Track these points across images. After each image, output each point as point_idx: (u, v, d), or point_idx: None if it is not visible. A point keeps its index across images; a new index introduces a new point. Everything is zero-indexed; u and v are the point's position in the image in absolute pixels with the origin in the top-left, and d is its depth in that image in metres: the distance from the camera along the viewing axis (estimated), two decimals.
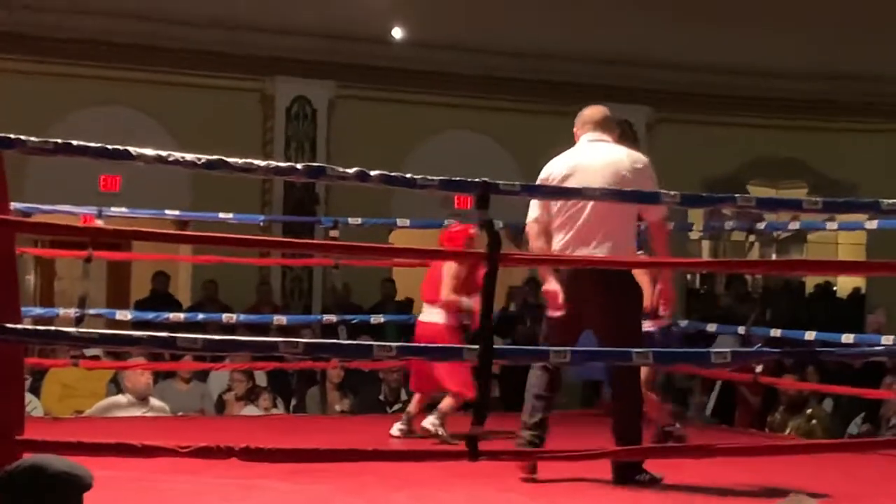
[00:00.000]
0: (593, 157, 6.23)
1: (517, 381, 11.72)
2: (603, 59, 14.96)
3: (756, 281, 15.39)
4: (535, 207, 6.28)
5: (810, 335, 8.03)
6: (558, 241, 6.12)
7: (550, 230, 6.21)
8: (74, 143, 4.49)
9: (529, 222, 6.28)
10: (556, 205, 6.14)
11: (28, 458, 3.52)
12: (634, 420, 6.16)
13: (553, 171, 6.23)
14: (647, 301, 6.38)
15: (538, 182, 6.14)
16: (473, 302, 7.81)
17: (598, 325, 6.07)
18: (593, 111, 6.54)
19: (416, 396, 8.32)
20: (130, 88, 13.89)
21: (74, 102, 13.69)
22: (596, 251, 5.97)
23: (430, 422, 7.78)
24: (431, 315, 8.08)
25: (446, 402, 7.93)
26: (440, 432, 7.68)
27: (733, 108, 15.86)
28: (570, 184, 5.99)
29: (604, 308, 6.02)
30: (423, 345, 7.64)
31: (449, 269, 7.93)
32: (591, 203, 5.95)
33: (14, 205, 4.96)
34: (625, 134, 6.86)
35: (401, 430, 7.97)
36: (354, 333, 11.02)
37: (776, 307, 14.63)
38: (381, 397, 10.18)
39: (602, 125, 6.47)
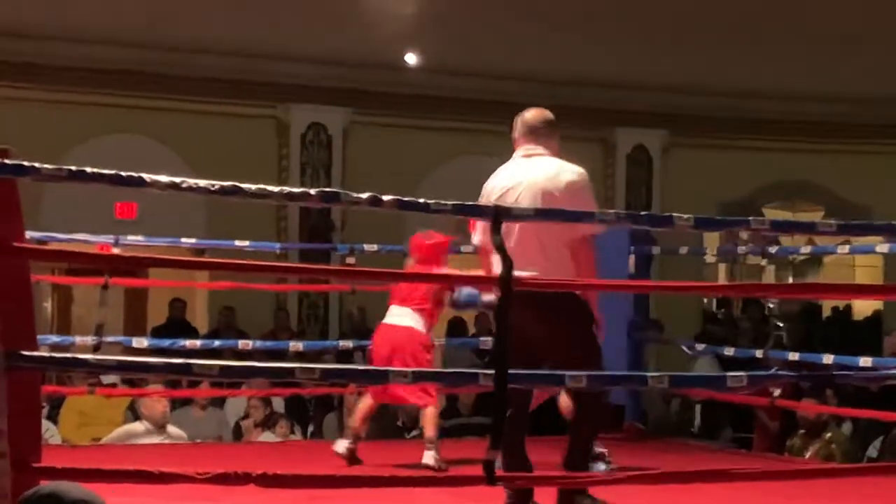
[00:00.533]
0: (526, 173, 5.97)
1: (538, 406, 11.78)
2: (616, 83, 14.98)
3: (774, 304, 15.32)
4: (476, 231, 6.07)
5: (828, 358, 8.00)
6: (495, 265, 5.73)
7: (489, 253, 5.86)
8: (88, 170, 4.50)
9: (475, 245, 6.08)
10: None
11: (45, 485, 3.52)
12: (588, 445, 6.07)
13: (489, 190, 6.04)
14: None
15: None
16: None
17: (551, 354, 5.72)
18: (530, 118, 6.26)
19: (362, 411, 7.83)
20: (145, 116, 13.94)
21: (89, 131, 13.73)
22: (529, 273, 5.55)
23: (430, 458, 7.40)
24: (404, 319, 7.68)
25: (429, 427, 7.55)
26: (442, 466, 7.34)
27: (749, 131, 15.86)
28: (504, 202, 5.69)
29: (553, 336, 5.76)
30: (439, 370, 7.60)
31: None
32: (520, 223, 5.65)
33: (30, 233, 4.97)
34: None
35: (349, 448, 7.59)
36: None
37: (793, 331, 14.59)
38: (400, 423, 10.17)
39: (539, 134, 6.19)
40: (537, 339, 5.68)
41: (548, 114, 6.28)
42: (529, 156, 6.08)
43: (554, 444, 7.84)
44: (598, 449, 7.24)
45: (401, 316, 7.66)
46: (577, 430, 6.01)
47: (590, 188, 5.97)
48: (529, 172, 5.96)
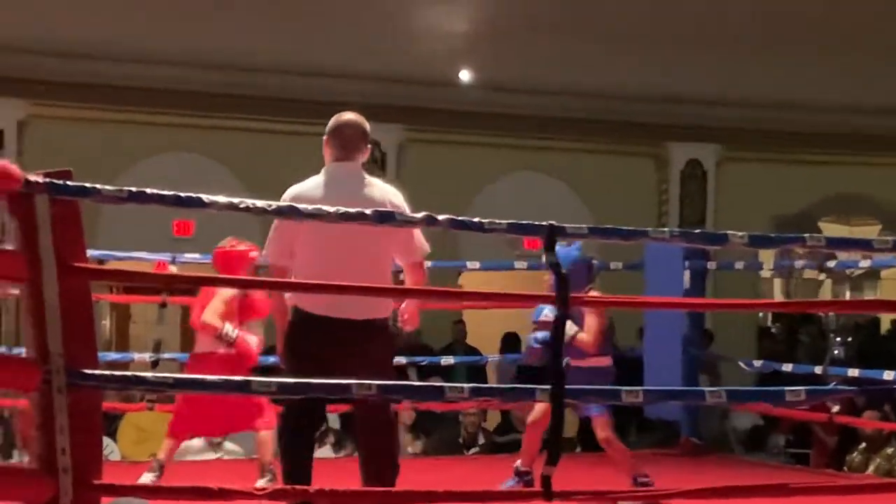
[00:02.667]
0: (345, 193, 5.58)
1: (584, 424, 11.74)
2: (671, 98, 14.95)
3: (828, 319, 15.22)
4: (271, 245, 5.65)
5: (888, 374, 7.95)
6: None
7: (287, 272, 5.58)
8: (148, 191, 4.56)
9: (270, 264, 5.69)
10: (304, 247, 5.53)
11: (120, 500, 3.59)
12: (394, 465, 5.78)
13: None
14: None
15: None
16: (246, 332, 7.22)
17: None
18: (346, 127, 5.91)
19: (172, 443, 7.37)
20: (201, 135, 14.07)
21: (146, 150, 13.87)
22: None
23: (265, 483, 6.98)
24: (200, 345, 7.36)
25: (264, 451, 7.20)
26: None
27: (804, 144, 15.77)
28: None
29: (364, 360, 5.43)
30: (494, 385, 7.60)
31: (222, 292, 7.23)
32: (340, 246, 5.38)
33: (89, 252, 5.04)
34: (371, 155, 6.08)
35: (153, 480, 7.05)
36: (425, 375, 11.07)
37: (851, 346, 14.51)
38: (461, 440, 10.21)
39: (353, 146, 5.84)
40: (342, 365, 5.29)
41: (360, 123, 5.96)
42: (346, 173, 5.76)
43: (594, 461, 7.86)
44: (642, 479, 7.13)
45: (198, 343, 7.45)
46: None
47: (408, 209, 5.59)
48: (353, 191, 5.63)
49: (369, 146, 5.90)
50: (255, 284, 5.58)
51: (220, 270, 7.29)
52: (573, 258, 6.93)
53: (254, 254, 7.24)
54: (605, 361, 7.20)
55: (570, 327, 6.96)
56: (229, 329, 7.16)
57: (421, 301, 5.96)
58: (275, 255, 5.61)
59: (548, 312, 6.89)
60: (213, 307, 7.17)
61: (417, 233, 5.68)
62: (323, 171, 5.82)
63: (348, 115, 5.93)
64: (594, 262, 7.23)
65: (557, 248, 6.94)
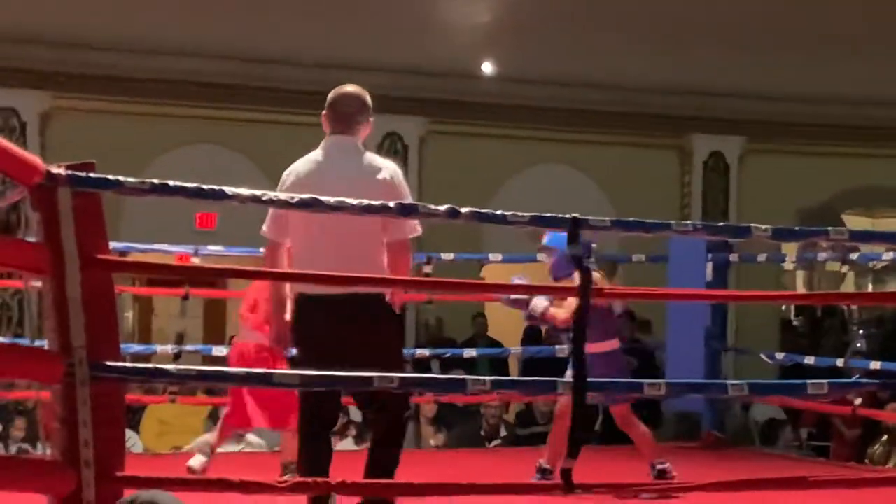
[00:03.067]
0: (339, 168, 5.49)
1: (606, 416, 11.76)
2: (693, 90, 14.91)
3: (851, 311, 15.18)
4: (270, 223, 5.61)
5: None
6: (293, 264, 5.50)
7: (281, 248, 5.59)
8: (171, 183, 4.57)
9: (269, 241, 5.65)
10: (296, 224, 5.46)
11: (142, 493, 3.60)
12: (397, 453, 5.63)
13: (289, 184, 5.54)
14: None
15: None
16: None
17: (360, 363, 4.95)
18: (343, 99, 5.70)
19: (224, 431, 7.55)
20: (224, 127, 14.08)
21: (169, 142, 13.90)
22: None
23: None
24: (245, 336, 7.42)
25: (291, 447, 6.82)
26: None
27: (827, 136, 15.70)
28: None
29: (364, 344, 5.33)
30: (516, 378, 7.57)
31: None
32: (327, 224, 5.23)
33: (112, 244, 5.05)
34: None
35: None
36: (447, 368, 11.08)
37: (873, 338, 14.46)
38: (483, 432, 10.22)
39: (350, 118, 5.64)
40: (344, 346, 5.29)
41: (359, 94, 5.73)
42: (341, 146, 5.61)
43: (619, 454, 7.85)
44: (660, 465, 7.16)
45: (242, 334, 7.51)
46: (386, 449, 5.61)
47: (404, 185, 5.49)
48: (344, 168, 5.51)
49: (370, 119, 5.71)
50: (280, 277, 5.55)
51: None
52: (556, 238, 6.87)
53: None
54: (609, 346, 7.11)
55: (539, 302, 6.96)
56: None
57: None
58: (273, 233, 5.59)
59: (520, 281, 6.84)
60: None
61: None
62: (321, 144, 5.73)
63: (347, 88, 5.77)
64: (593, 244, 7.06)
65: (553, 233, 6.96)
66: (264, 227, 5.60)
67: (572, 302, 6.59)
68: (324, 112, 5.74)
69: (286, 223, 5.48)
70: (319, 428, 5.48)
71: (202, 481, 4.73)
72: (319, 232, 5.31)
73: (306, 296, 5.40)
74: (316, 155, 5.65)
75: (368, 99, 5.72)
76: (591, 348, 6.62)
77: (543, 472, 7.20)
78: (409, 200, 5.32)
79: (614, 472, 6.71)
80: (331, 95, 5.74)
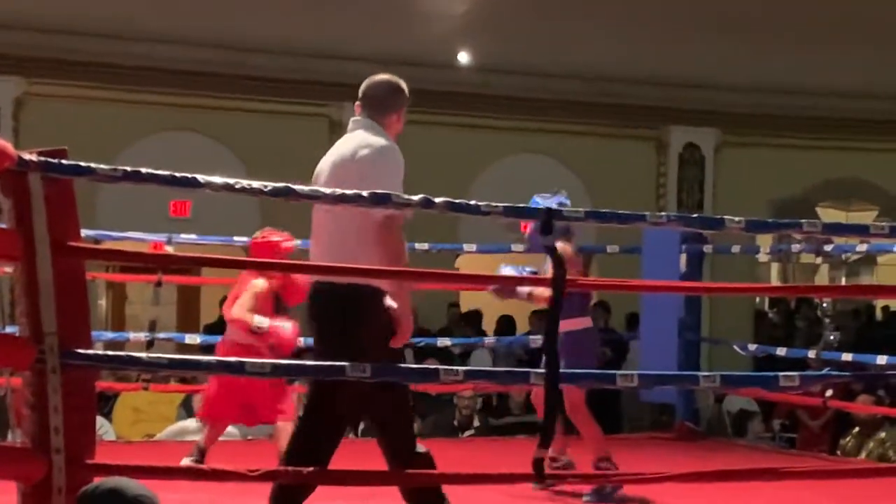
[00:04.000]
0: (334, 151, 5.46)
1: (591, 404, 11.80)
2: (670, 81, 14.94)
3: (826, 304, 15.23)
4: None
5: (881, 359, 7.96)
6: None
7: None
8: (143, 170, 4.55)
9: None
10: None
11: (106, 480, 3.58)
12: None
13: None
14: None
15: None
16: (279, 324, 7.15)
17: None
18: (367, 84, 5.62)
19: (211, 428, 7.41)
20: (199, 115, 14.03)
21: (143, 129, 13.84)
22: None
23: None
24: (228, 334, 7.33)
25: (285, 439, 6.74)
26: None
27: (802, 129, 15.74)
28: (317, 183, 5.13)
29: (328, 340, 5.12)
30: (489, 368, 7.57)
31: (253, 284, 7.18)
32: (319, 213, 5.13)
33: (85, 231, 5.03)
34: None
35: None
36: (421, 357, 11.07)
37: (845, 331, 14.51)
38: (456, 422, 10.22)
39: (370, 102, 5.56)
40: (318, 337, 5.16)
41: (385, 80, 5.62)
42: (354, 127, 5.54)
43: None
44: (603, 465, 6.73)
45: (227, 332, 7.39)
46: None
47: (385, 162, 5.30)
48: (337, 146, 5.48)
49: (401, 108, 5.64)
50: (250, 265, 5.53)
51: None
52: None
53: (288, 244, 7.23)
54: (582, 323, 7.00)
55: (524, 288, 6.93)
56: (259, 321, 7.08)
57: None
58: None
59: (510, 270, 6.83)
60: (243, 302, 7.13)
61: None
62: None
63: (378, 76, 5.68)
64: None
65: (536, 197, 6.88)
66: None
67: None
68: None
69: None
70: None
71: (173, 469, 4.71)
72: (316, 220, 5.22)
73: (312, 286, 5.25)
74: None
75: (401, 86, 5.62)
76: (564, 325, 6.45)
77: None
78: (387, 178, 5.15)
79: (589, 462, 6.73)
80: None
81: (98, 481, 3.57)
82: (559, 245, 5.95)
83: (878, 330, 16.17)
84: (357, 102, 5.56)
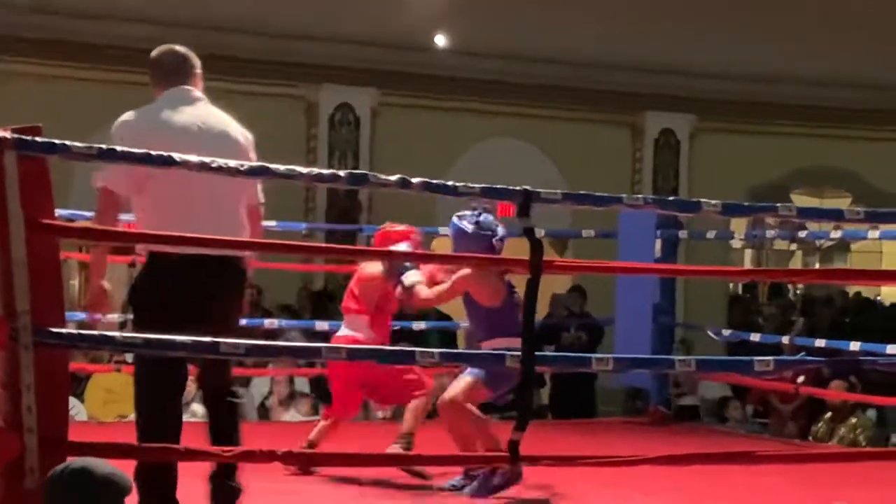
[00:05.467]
0: (202, 119, 5.27)
1: (566, 388, 11.81)
2: (646, 67, 14.94)
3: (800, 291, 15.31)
4: (119, 174, 5.01)
5: (854, 345, 7.99)
6: (152, 224, 5.07)
7: (122, 203, 5.15)
8: (118, 149, 4.53)
9: (100, 186, 5.09)
10: (152, 176, 4.94)
11: (75, 460, 3.56)
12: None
13: (140, 133, 5.10)
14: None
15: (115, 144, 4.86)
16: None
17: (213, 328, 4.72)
18: (191, 56, 5.55)
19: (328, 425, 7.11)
20: None
21: (117, 109, 13.70)
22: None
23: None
24: (345, 329, 7.03)
25: (410, 417, 6.84)
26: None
27: (778, 116, 15.79)
28: (181, 151, 4.62)
29: (220, 310, 5.05)
30: (465, 351, 7.51)
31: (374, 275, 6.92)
32: (202, 180, 4.85)
33: (59, 211, 5.00)
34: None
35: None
36: (397, 340, 11.05)
37: (818, 317, 14.58)
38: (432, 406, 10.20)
39: (191, 74, 5.49)
40: (208, 313, 4.96)
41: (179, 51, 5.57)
42: (193, 98, 5.42)
43: (577, 427, 7.85)
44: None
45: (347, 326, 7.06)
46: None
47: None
48: (207, 120, 5.35)
49: (197, 69, 5.56)
50: (233, 244, 5.41)
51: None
52: (454, 227, 6.54)
53: (413, 235, 7.03)
54: (508, 343, 6.16)
55: (412, 275, 6.47)
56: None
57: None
58: (118, 186, 5.08)
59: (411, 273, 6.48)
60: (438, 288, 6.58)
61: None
62: (163, 98, 5.42)
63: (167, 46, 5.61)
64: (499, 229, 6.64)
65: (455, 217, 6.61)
66: (101, 175, 5.07)
67: (441, 288, 6.41)
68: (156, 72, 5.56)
69: (142, 180, 4.99)
70: (170, 393, 5.14)
71: (146, 449, 4.69)
72: (190, 192, 4.96)
73: (174, 257, 5.02)
74: (157, 107, 5.35)
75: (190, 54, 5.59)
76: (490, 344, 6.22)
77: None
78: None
79: (563, 446, 6.74)
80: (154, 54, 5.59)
81: (68, 461, 3.56)
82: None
83: (850, 316, 16.23)
84: (199, 74, 5.55)
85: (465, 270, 6.32)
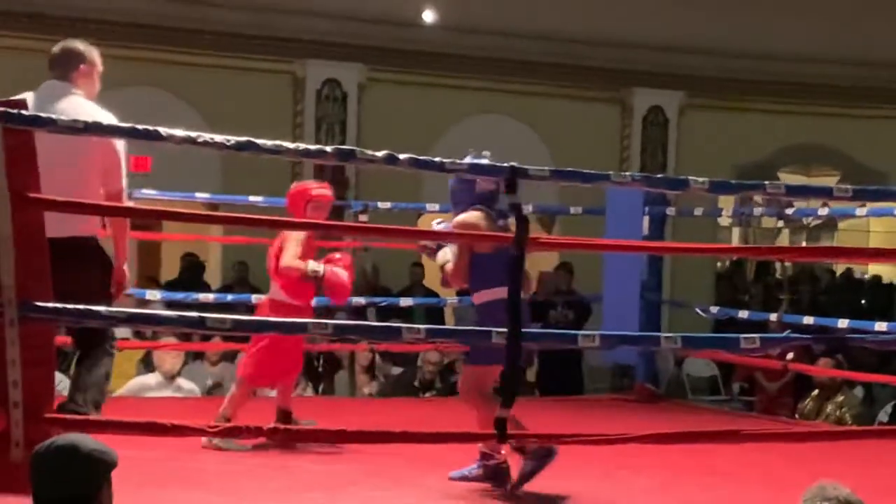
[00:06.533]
0: (58, 114, 4.97)
1: (554, 366, 11.80)
2: (634, 43, 14.91)
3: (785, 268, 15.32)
4: None
5: (842, 323, 8.00)
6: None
7: None
8: (105, 123, 4.50)
9: None
10: None
11: (60, 436, 3.55)
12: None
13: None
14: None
15: None
16: (335, 269, 6.92)
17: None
18: (58, 46, 5.61)
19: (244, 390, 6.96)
20: (162, 70, 13.91)
21: (105, 84, 13.68)
22: None
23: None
24: (271, 292, 7.05)
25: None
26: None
27: (766, 94, 15.77)
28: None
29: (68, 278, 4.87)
30: (451, 327, 7.50)
31: (293, 234, 6.93)
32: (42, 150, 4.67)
33: None
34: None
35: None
36: (384, 317, 11.06)
37: (804, 294, 14.61)
38: (416, 383, 10.21)
39: (62, 63, 5.53)
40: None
41: (73, 44, 5.65)
42: (59, 90, 5.45)
43: (564, 405, 7.84)
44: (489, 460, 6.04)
45: (271, 290, 7.11)
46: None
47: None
48: (46, 99, 5.30)
49: (82, 65, 5.60)
50: (214, 220, 5.43)
51: (290, 212, 7.06)
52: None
53: (320, 191, 7.07)
54: (493, 294, 5.84)
55: (445, 255, 6.11)
56: (314, 266, 6.87)
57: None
58: None
59: (444, 227, 6.12)
60: (291, 252, 6.83)
61: (121, 164, 5.34)
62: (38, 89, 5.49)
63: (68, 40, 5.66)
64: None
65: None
66: None
67: (456, 261, 6.01)
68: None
69: None
70: None
71: (133, 424, 4.67)
72: (50, 154, 4.85)
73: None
74: (32, 96, 5.31)
75: (79, 48, 5.66)
76: (483, 297, 5.86)
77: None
78: (115, 150, 5.23)
79: (549, 423, 6.74)
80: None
81: (53, 438, 3.55)
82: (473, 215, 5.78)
83: (836, 294, 16.28)
84: (86, 71, 5.63)
85: (467, 219, 5.88)
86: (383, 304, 10.85)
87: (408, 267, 13.49)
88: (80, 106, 5.27)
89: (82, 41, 5.60)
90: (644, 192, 9.34)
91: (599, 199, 10.02)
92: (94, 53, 5.64)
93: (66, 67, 5.47)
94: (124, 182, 5.30)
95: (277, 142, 4.67)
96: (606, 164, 13.60)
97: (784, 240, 19.02)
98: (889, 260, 15.14)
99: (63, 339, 6.13)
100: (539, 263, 13.20)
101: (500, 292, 5.34)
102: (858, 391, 10.49)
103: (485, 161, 5.35)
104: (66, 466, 3.28)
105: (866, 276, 18.33)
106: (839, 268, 17.60)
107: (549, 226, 14.87)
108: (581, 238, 6.03)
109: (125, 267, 5.31)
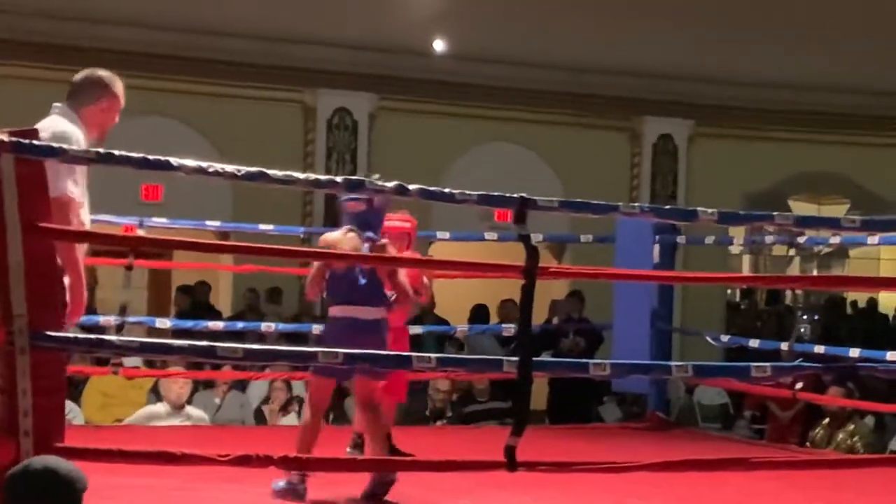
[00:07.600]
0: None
1: (565, 394, 11.76)
2: (644, 72, 14.94)
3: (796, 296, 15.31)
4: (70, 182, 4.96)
5: (854, 352, 7.98)
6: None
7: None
8: (116, 153, 4.52)
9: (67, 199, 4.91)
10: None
11: (37, 458, 3.58)
12: None
13: None
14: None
15: None
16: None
17: None
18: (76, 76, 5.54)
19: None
20: (173, 99, 13.95)
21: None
22: None
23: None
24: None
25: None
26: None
27: (776, 122, 15.80)
28: None
29: None
30: (464, 356, 7.48)
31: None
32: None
33: None
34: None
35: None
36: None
37: (817, 323, 14.58)
38: (427, 412, 10.20)
39: (71, 91, 5.46)
40: None
41: (92, 73, 5.55)
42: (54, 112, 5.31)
43: (575, 433, 7.83)
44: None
45: None
46: None
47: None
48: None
49: (99, 95, 5.47)
50: (224, 249, 5.46)
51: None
52: None
53: (398, 224, 7.20)
54: (372, 314, 6.18)
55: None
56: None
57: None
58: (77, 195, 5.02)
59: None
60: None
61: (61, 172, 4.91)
62: None
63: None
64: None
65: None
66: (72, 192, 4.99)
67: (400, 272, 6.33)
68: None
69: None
70: None
71: (143, 454, 4.67)
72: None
73: None
74: None
75: (103, 80, 5.53)
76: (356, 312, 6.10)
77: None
78: (57, 165, 4.78)
79: (559, 451, 6.73)
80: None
81: (28, 460, 3.58)
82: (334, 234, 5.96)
83: (850, 322, 16.25)
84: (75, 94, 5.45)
85: (327, 237, 6.29)
86: None
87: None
88: (51, 122, 5.13)
89: (106, 71, 5.50)
90: (654, 221, 9.34)
91: (609, 227, 10.02)
92: (115, 86, 5.52)
93: (72, 98, 5.40)
94: (71, 187, 4.93)
95: (288, 172, 4.68)
96: (616, 193, 13.62)
97: (795, 268, 19.00)
98: None
99: (75, 369, 6.13)
100: (550, 291, 13.20)
101: (348, 310, 5.99)
102: (869, 420, 10.45)
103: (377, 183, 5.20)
104: (48, 488, 3.31)
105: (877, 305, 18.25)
106: (860, 296, 17.56)
107: (559, 253, 14.87)
108: (591, 267, 6.00)
109: (83, 290, 5.05)
